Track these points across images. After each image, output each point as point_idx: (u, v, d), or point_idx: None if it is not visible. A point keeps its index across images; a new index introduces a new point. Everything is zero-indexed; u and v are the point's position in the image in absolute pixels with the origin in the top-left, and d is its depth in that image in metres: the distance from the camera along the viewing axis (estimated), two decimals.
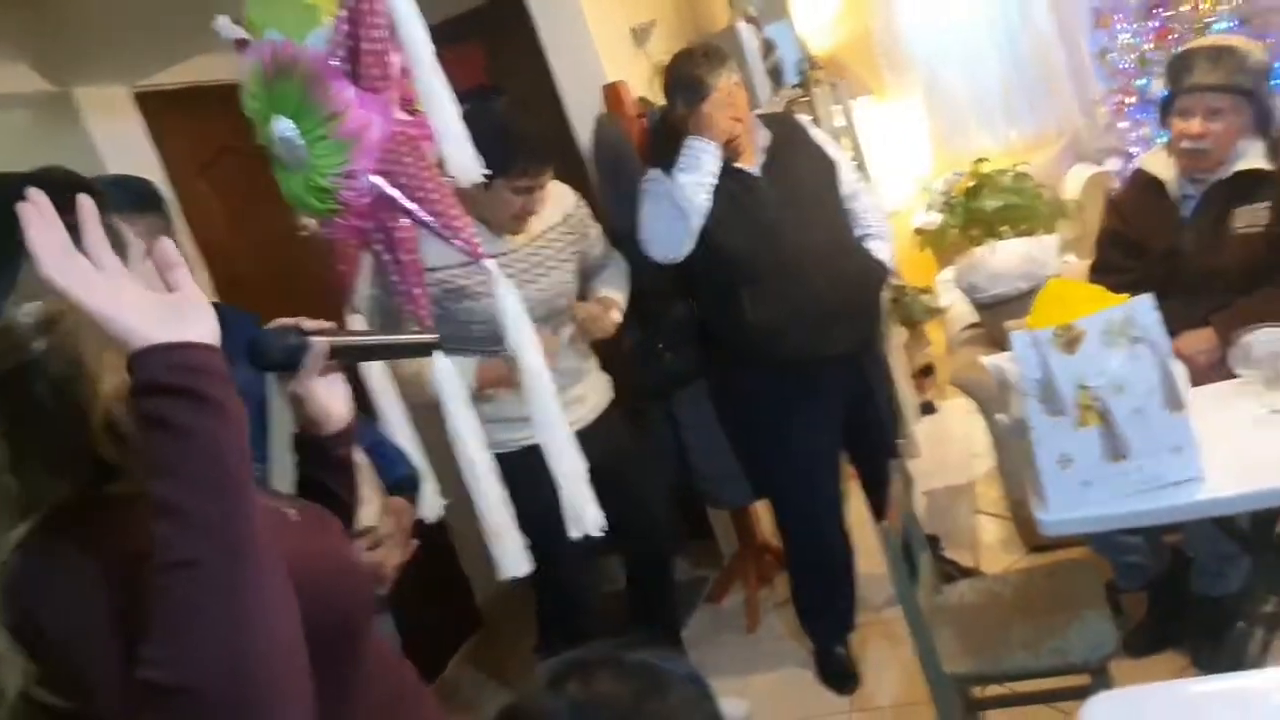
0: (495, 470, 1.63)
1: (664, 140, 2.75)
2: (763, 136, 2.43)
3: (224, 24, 1.41)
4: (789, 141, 2.45)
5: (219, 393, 0.71)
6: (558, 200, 2.34)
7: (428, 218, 1.52)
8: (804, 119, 2.63)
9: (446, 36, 3.09)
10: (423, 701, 1.08)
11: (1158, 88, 4.26)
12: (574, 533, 1.66)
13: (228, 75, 2.68)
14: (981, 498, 3.43)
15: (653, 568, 2.68)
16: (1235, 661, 2.02)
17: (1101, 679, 1.81)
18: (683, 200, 2.29)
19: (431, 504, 1.74)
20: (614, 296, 2.46)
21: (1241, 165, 2.11)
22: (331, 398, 1.03)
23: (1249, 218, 2.11)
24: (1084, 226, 4.37)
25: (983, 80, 5.45)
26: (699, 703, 0.69)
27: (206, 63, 2.40)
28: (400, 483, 1.63)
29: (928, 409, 4.31)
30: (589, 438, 1.78)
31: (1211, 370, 2.03)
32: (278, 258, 2.81)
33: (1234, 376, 1.87)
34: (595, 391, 2.42)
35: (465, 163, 1.53)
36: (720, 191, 2.35)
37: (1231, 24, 4.18)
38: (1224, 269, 2.14)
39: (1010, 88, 5.42)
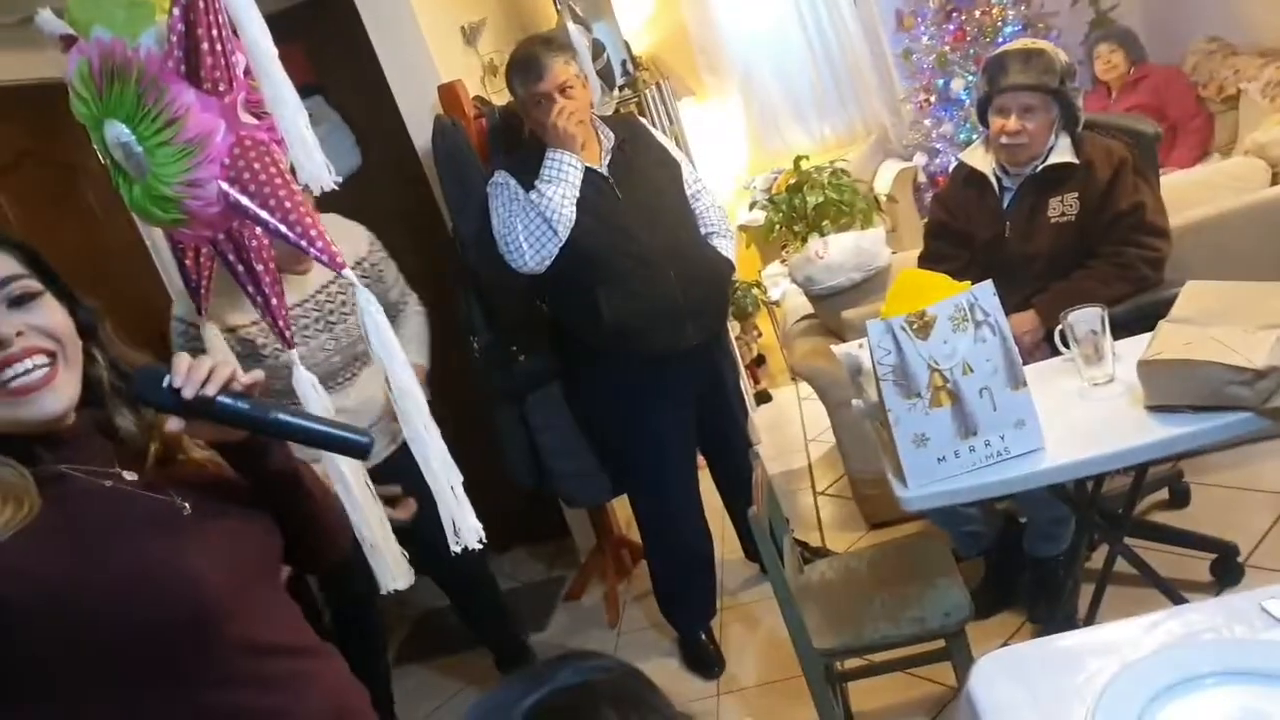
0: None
1: (504, 138, 2.71)
2: (607, 136, 2.43)
3: (47, 19, 1.26)
4: (633, 142, 2.47)
5: None
6: (349, 242, 2.31)
7: (282, 226, 1.43)
8: (644, 121, 2.67)
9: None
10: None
11: (958, 87, 4.62)
12: (455, 547, 1.64)
13: (30, 74, 2.43)
14: (819, 480, 3.59)
15: (468, 583, 2.69)
16: (1068, 614, 2.22)
17: (958, 642, 1.94)
18: (550, 213, 2.29)
19: None
20: (419, 363, 2.44)
21: (1053, 159, 2.31)
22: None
23: (1061, 207, 2.30)
24: (896, 219, 4.67)
25: (795, 79, 5.70)
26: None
27: (6, 61, 2.15)
28: None
29: (763, 398, 4.47)
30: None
31: (1036, 349, 2.21)
32: (82, 273, 2.56)
33: (1056, 354, 2.04)
34: None
35: (315, 169, 1.45)
36: None
37: (1017, 28, 4.57)
38: (1039, 255, 2.33)
39: (821, 86, 5.69)
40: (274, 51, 1.34)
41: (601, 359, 2.46)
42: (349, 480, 1.56)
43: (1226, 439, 1.68)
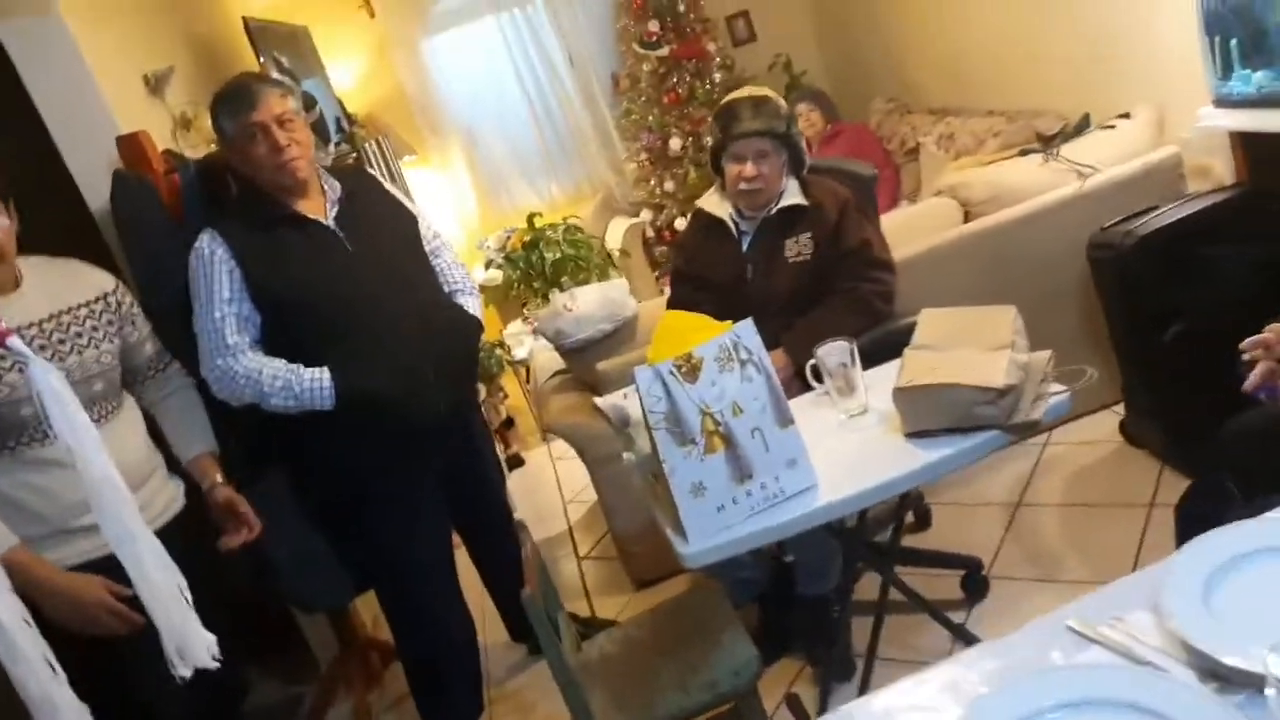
0: None
1: (203, 194, 2.39)
2: (332, 188, 2.19)
3: None
4: (363, 193, 2.24)
5: None
6: (94, 277, 1.98)
7: None
8: (374, 172, 2.45)
9: None
10: None
11: (676, 145, 4.78)
12: (183, 671, 1.34)
13: None
14: (581, 544, 3.46)
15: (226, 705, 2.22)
16: (844, 651, 2.22)
17: (750, 703, 1.84)
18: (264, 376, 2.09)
19: None
20: (211, 450, 2.11)
21: (785, 202, 2.37)
22: None
23: (796, 247, 2.36)
24: (630, 273, 4.72)
25: (519, 139, 5.68)
26: None
27: None
28: None
29: (515, 462, 4.29)
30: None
31: (788, 387, 2.22)
32: None
33: (807, 390, 2.05)
34: (164, 492, 2.00)
35: None
36: (292, 246, 2.07)
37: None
38: (780, 294, 2.36)
39: (546, 147, 5.71)
40: None
41: (336, 435, 2.16)
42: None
43: (979, 457, 1.72)
